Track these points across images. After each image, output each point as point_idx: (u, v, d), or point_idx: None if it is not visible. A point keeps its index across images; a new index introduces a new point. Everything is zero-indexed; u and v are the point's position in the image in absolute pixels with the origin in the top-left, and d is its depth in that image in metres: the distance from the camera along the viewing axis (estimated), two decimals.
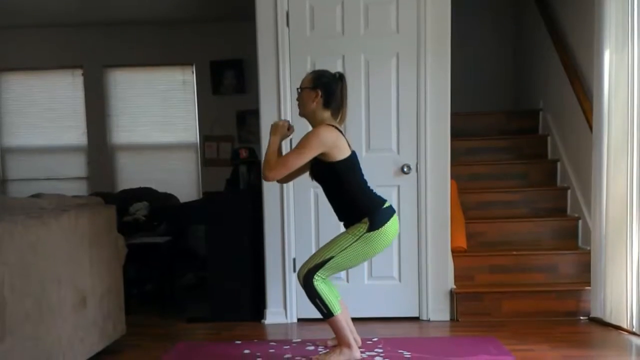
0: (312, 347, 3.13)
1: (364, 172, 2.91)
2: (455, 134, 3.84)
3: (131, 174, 5.79)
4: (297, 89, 2.92)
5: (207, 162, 5.74)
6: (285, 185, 3.60)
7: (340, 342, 2.83)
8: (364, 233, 2.74)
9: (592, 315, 3.51)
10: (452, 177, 3.69)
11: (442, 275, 3.66)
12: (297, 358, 2.95)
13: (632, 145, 3.13)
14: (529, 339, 3.18)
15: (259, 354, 3.03)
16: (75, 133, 5.85)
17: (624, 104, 3.19)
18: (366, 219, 2.75)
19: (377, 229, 2.74)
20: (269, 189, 3.67)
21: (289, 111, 3.59)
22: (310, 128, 2.91)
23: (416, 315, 3.69)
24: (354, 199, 2.81)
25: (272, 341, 3.30)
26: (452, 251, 3.74)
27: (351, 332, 2.90)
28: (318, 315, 2.82)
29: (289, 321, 3.72)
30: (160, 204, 5.15)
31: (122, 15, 5.34)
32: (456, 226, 3.84)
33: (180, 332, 3.58)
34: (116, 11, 5.24)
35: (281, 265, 3.71)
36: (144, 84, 5.82)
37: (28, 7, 5.08)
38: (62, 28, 5.62)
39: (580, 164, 3.99)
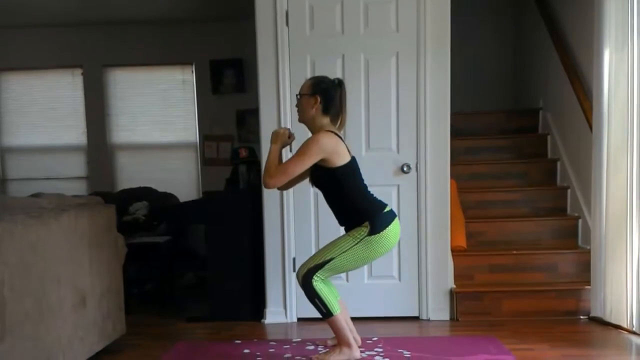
0: (312, 347, 3.13)
1: (363, 171, 2.91)
2: (455, 133, 3.84)
3: (131, 174, 5.79)
4: (297, 95, 2.93)
5: (206, 162, 5.74)
6: None
7: (340, 341, 2.83)
8: (365, 236, 2.75)
9: (592, 314, 3.51)
10: (452, 177, 3.69)
11: (442, 275, 3.66)
12: (297, 358, 2.95)
13: (632, 144, 3.13)
14: (529, 338, 3.19)
15: (258, 353, 3.03)
16: (75, 133, 5.84)
17: (623, 103, 3.19)
18: (367, 223, 2.75)
19: (378, 232, 2.75)
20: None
21: (289, 110, 3.59)
22: (309, 134, 2.91)
23: (416, 314, 3.69)
24: (354, 203, 2.81)
25: (272, 341, 3.30)
26: (452, 250, 3.74)
27: (351, 332, 2.90)
28: (318, 314, 2.82)
29: (288, 321, 3.72)
30: (160, 203, 5.15)
31: (122, 14, 5.33)
32: (456, 226, 3.84)
33: (180, 331, 3.58)
34: (116, 11, 5.23)
35: (281, 265, 3.71)
36: (144, 83, 5.82)
37: (28, 7, 5.08)
38: (62, 28, 5.61)
39: (580, 163, 3.99)
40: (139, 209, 5.10)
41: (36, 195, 2.69)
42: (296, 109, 2.94)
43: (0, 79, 5.85)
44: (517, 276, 3.79)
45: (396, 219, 2.83)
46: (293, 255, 3.69)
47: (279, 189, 3.00)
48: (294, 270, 3.63)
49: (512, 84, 5.38)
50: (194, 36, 5.62)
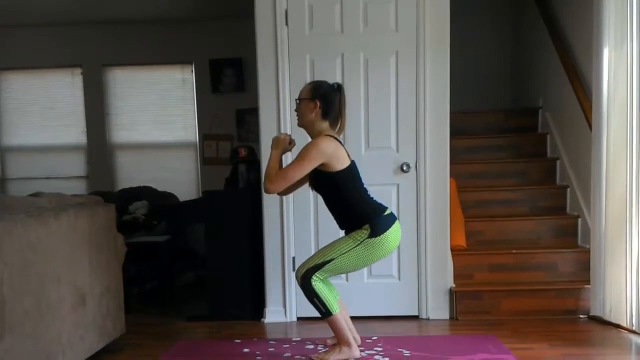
0: (311, 346, 3.13)
1: (363, 170, 2.92)
2: (455, 133, 3.84)
3: (131, 173, 5.79)
4: (296, 100, 2.93)
5: (206, 161, 5.74)
6: None
7: (340, 341, 2.84)
8: (366, 239, 2.75)
9: (592, 313, 3.51)
10: (451, 176, 3.69)
11: (441, 274, 3.66)
12: (296, 357, 2.95)
13: (632, 144, 3.13)
14: (529, 337, 3.19)
15: (258, 353, 3.03)
16: (75, 132, 5.84)
17: (623, 102, 3.19)
18: (367, 226, 2.76)
19: (379, 235, 2.75)
20: None
21: (288, 110, 3.59)
22: (309, 139, 2.91)
23: (416, 314, 3.70)
24: (354, 207, 2.81)
25: (271, 340, 3.30)
26: (452, 250, 3.74)
27: (351, 331, 2.91)
28: (318, 314, 2.83)
29: (288, 320, 3.73)
30: (160, 203, 5.15)
31: (122, 14, 5.33)
32: (456, 225, 3.84)
33: (180, 331, 3.59)
34: (115, 10, 5.23)
35: (281, 264, 3.71)
36: (144, 83, 5.82)
37: (28, 7, 5.08)
38: (62, 27, 5.61)
39: (580, 163, 3.99)
40: (139, 208, 5.10)
41: (36, 195, 2.68)
42: (295, 113, 2.94)
43: (0, 79, 5.85)
44: (516, 275, 3.79)
45: (397, 223, 2.84)
46: (293, 254, 3.69)
47: (279, 194, 3.01)
48: (294, 270, 3.63)
49: (511, 83, 5.38)
50: (193, 36, 5.62)
